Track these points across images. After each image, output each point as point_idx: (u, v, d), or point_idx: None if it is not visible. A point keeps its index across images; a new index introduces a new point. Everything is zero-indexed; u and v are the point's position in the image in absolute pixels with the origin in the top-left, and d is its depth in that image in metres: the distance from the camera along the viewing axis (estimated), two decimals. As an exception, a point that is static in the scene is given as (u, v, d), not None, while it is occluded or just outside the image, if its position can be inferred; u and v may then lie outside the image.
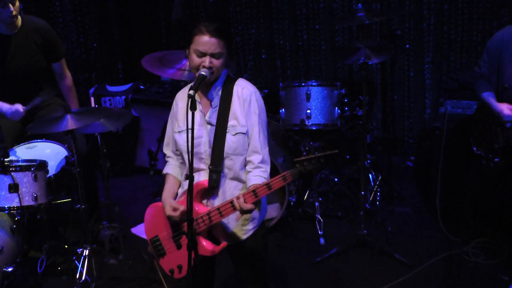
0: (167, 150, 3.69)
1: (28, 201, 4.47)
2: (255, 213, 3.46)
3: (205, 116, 3.41)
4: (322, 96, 5.72)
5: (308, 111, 5.68)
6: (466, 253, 4.95)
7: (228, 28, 3.40)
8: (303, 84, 5.76)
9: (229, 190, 3.40)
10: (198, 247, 3.18)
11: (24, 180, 4.46)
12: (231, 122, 3.36)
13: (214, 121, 3.39)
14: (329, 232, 5.52)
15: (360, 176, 5.32)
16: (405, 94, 7.80)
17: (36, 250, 4.86)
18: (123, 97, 7.40)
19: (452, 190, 5.50)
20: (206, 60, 3.29)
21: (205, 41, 3.28)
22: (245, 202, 3.15)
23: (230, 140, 3.35)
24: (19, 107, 5.00)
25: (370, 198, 5.98)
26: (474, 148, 4.82)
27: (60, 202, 5.00)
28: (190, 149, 3.01)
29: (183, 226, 3.43)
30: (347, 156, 6.97)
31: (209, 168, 3.37)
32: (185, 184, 3.54)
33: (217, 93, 3.43)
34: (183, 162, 3.60)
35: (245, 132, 3.37)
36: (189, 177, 3.04)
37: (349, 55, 5.62)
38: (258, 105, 3.42)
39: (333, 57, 8.03)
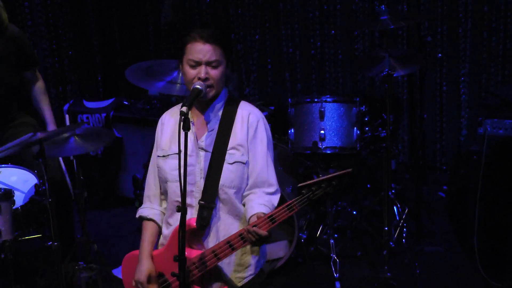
0: (149, 189, 3.69)
1: (-10, 237, 4.49)
2: (252, 259, 3.48)
3: (198, 141, 3.43)
4: (338, 114, 5.75)
5: (322, 132, 5.70)
6: (509, 301, 4.97)
7: (227, 33, 3.44)
8: (316, 100, 5.79)
9: (224, 228, 3.40)
10: None
11: (-14, 212, 4.49)
12: (230, 151, 3.39)
13: (209, 147, 3.40)
14: (346, 275, 5.54)
15: (383, 209, 5.37)
16: (436, 112, 7.83)
17: (-1, 296, 4.88)
18: (103, 114, 7.44)
19: (492, 226, 5.48)
20: (202, 70, 3.31)
21: (199, 48, 3.31)
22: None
23: (227, 169, 3.36)
24: None
25: (395, 235, 5.98)
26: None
27: (28, 239, 5.00)
28: (183, 175, 3.02)
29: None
30: (368, 185, 6.98)
31: (199, 203, 3.37)
32: (165, 230, 3.56)
33: (215, 115, 3.45)
34: (164, 199, 3.60)
35: (245, 162, 3.39)
36: (181, 209, 3.04)
37: (370, 65, 5.68)
38: (266, 134, 3.46)
39: (352, 68, 8.08)
